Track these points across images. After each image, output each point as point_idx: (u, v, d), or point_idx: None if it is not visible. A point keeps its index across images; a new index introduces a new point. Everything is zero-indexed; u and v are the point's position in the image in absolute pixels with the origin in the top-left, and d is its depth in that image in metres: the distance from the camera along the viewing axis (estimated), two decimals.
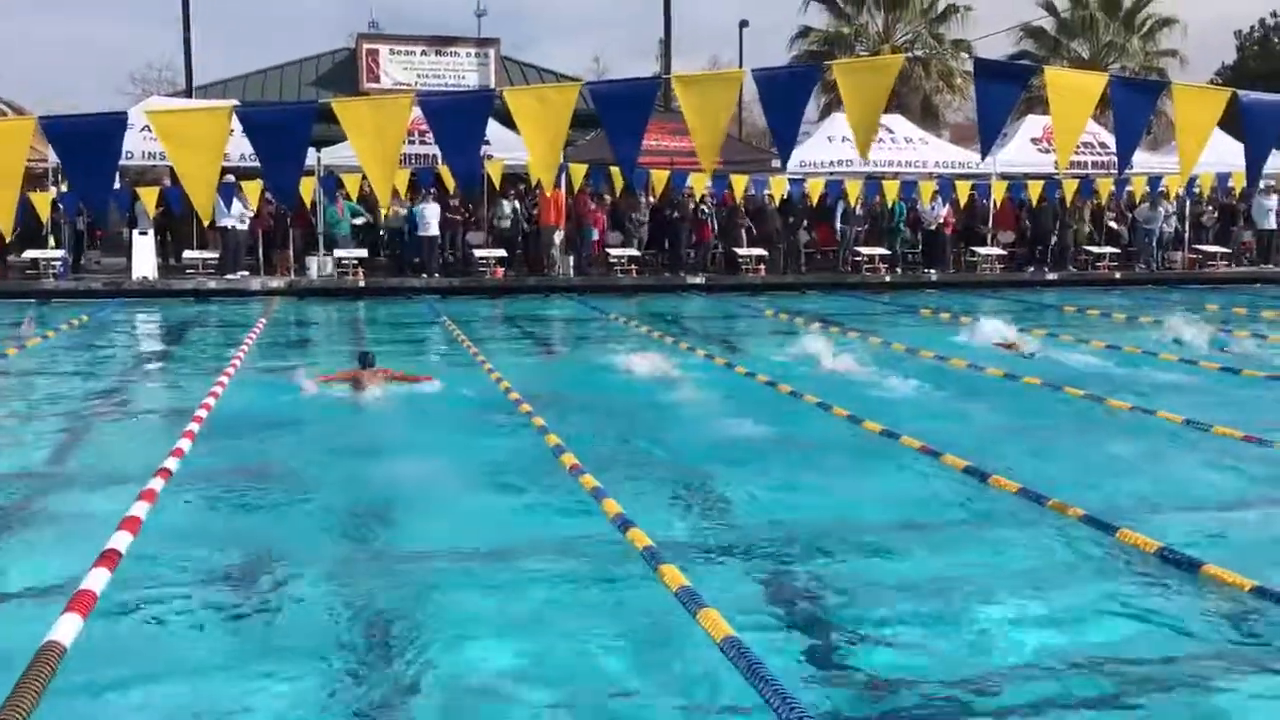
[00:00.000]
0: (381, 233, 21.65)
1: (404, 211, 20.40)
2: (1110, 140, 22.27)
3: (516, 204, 21.29)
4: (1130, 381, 9.93)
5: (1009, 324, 12.71)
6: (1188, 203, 23.64)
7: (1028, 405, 9.12)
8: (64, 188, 19.81)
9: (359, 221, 20.84)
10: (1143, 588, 4.80)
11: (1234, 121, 7.60)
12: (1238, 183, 22.06)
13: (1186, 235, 23.89)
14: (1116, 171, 21.00)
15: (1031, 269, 22.46)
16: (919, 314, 16.56)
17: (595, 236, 21.17)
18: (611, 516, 5.51)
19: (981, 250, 22.65)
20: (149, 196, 19.21)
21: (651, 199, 21.94)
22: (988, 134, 7.32)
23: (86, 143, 5.90)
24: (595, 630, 4.35)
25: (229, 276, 19.35)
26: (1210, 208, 24.56)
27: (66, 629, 3.96)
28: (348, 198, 20.37)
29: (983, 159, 21.44)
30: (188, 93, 25.12)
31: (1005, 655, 4.16)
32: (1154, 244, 22.74)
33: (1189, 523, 5.78)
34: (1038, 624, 4.45)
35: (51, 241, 19.59)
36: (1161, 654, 4.18)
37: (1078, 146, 22.65)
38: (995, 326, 12.56)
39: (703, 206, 21.93)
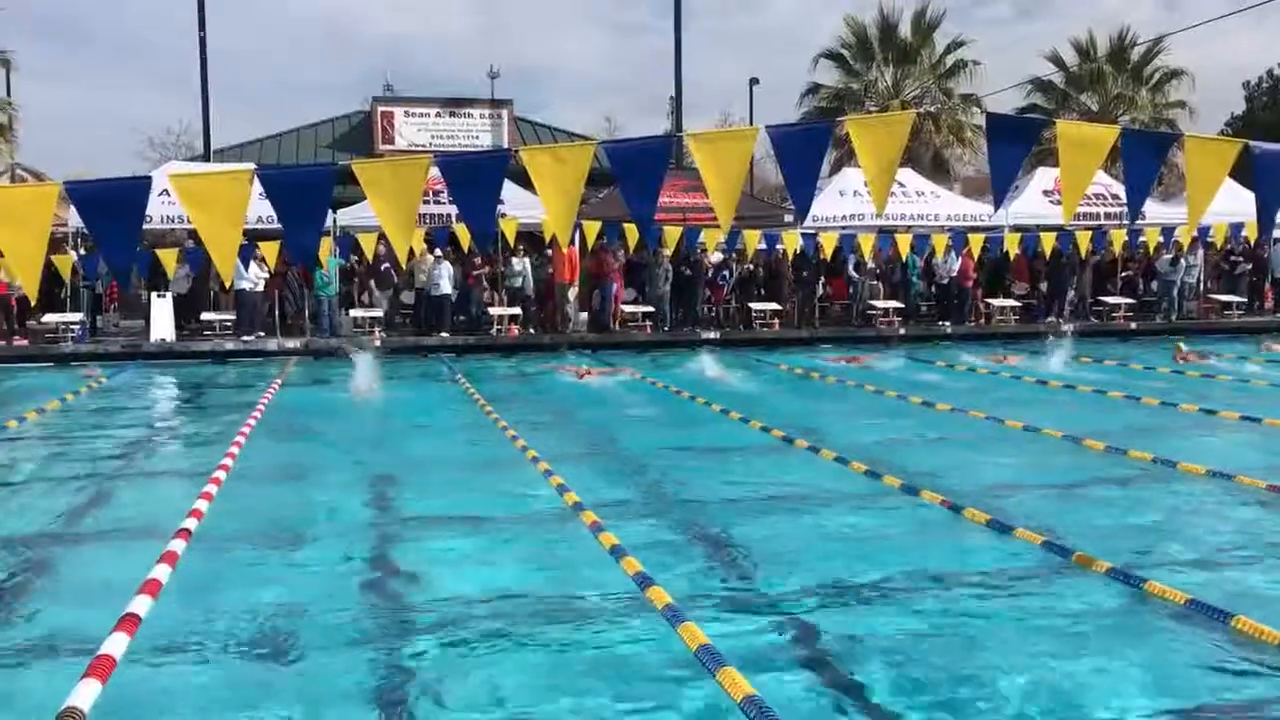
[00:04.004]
0: (402, 292, 21.76)
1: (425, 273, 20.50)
2: (1121, 190, 22.37)
3: (528, 261, 21.42)
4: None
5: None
6: (1200, 253, 23.61)
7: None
8: (83, 251, 20.09)
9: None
10: None
11: (1245, 171, 7.64)
12: (1251, 232, 22.07)
13: (1203, 285, 23.85)
14: (1128, 221, 21.08)
15: (1049, 319, 22.44)
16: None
17: (613, 292, 21.26)
18: (631, 574, 5.50)
19: (995, 302, 22.67)
20: (169, 259, 19.45)
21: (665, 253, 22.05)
22: (1000, 187, 7.38)
23: (111, 207, 6.00)
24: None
25: (245, 338, 19.50)
26: (1241, 259, 24.46)
27: (86, 694, 3.96)
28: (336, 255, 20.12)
29: (995, 211, 21.75)
30: (206, 157, 25.53)
31: None
32: (1175, 295, 22.78)
33: None
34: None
35: (69, 305, 19.81)
36: None
37: (1090, 197, 22.84)
38: None
39: (724, 272, 22.25)
